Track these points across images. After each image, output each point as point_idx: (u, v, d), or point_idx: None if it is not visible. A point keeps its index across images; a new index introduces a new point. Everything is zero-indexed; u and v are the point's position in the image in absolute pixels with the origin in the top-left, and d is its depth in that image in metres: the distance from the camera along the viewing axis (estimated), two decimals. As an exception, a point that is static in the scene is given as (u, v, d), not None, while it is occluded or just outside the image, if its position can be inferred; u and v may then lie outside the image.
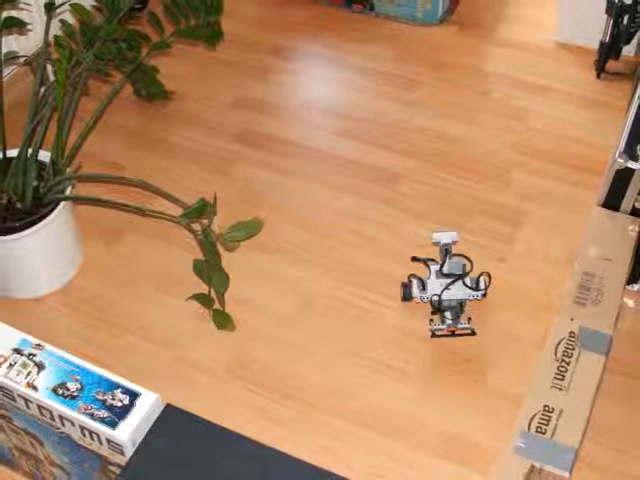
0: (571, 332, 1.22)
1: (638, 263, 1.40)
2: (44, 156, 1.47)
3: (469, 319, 1.41)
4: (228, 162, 1.74)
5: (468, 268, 1.45)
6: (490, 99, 1.87)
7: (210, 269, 1.35)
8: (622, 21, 1.78)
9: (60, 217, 1.43)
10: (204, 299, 1.42)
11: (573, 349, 1.21)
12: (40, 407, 1.03)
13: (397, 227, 1.60)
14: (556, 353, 1.20)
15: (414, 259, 1.49)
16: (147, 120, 1.84)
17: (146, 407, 1.00)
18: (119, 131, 1.81)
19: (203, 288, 1.41)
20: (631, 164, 1.32)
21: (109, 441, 1.00)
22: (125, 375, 1.05)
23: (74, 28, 1.53)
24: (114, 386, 1.02)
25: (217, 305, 1.43)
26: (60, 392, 1.02)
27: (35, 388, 1.02)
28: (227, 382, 1.37)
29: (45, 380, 1.03)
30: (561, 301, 1.29)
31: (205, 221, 1.30)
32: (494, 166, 1.72)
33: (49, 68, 1.67)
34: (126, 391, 1.02)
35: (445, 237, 1.46)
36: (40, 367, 1.04)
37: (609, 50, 1.84)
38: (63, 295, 1.50)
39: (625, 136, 1.36)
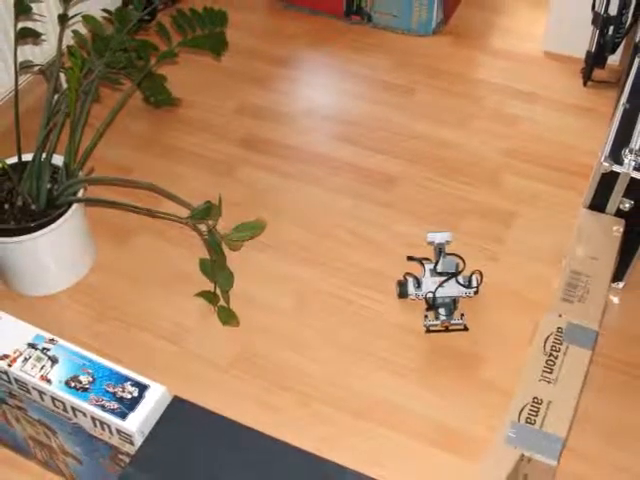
0: (559, 328, 1.24)
1: (623, 262, 1.42)
2: (57, 160, 1.49)
3: (462, 315, 1.43)
4: (232, 166, 1.76)
5: (461, 267, 1.48)
6: (483, 106, 1.89)
7: (215, 268, 1.38)
8: (607, 32, 1.80)
9: (72, 218, 1.45)
10: (210, 296, 1.44)
11: (561, 344, 1.22)
12: (54, 399, 1.05)
13: (393, 228, 1.62)
14: (545, 347, 1.21)
15: (410, 258, 1.51)
16: (155, 126, 1.86)
17: (154, 399, 1.02)
18: (128, 136, 1.83)
19: (209, 286, 1.43)
20: (616, 168, 1.34)
21: (119, 431, 1.01)
22: (134, 368, 1.06)
23: (86, 38, 1.55)
24: (124, 379, 1.04)
25: (222, 302, 1.45)
26: (72, 385, 1.03)
27: (49, 381, 1.04)
28: (231, 375, 1.39)
29: (58, 373, 1.04)
30: (550, 298, 1.31)
31: (210, 222, 1.32)
32: (486, 170, 1.73)
33: (62, 76, 1.67)
34: (135, 384, 1.03)
35: (439, 237, 1.48)
36: (54, 361, 1.05)
37: (595, 59, 1.86)
38: (75, 292, 1.52)
39: (610, 141, 1.37)
